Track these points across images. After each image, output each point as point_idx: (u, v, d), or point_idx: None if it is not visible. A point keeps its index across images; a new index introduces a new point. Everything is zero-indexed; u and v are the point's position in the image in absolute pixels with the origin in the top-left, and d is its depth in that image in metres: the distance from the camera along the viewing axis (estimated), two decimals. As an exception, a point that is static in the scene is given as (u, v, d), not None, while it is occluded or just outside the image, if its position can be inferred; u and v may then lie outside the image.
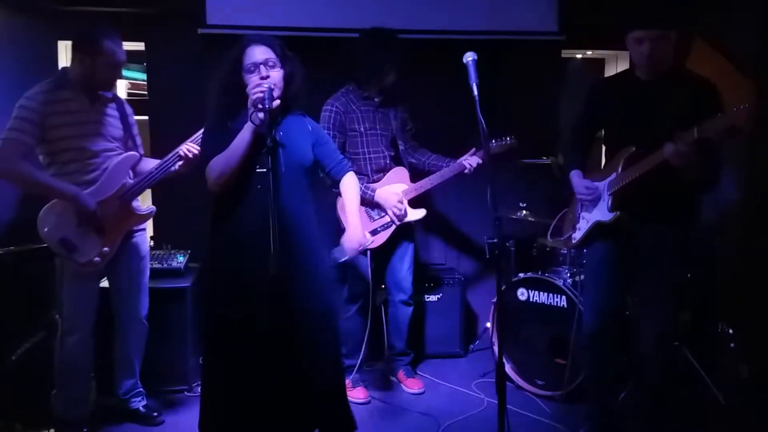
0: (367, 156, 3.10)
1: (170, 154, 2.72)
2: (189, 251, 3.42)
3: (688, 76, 2.34)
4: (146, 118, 3.82)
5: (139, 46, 3.80)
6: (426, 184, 3.17)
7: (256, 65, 2.19)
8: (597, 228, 2.45)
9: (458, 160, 3.20)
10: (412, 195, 3.15)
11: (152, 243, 3.64)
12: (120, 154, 2.73)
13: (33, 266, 2.92)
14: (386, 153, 3.15)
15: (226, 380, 2.23)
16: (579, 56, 4.61)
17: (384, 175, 3.15)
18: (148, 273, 2.91)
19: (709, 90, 2.27)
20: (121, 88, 3.87)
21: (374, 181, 3.11)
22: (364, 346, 3.15)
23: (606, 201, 2.40)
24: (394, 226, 3.09)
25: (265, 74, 2.18)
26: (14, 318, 2.95)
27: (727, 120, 1.97)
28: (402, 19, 3.67)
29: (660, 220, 2.31)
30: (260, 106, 2.09)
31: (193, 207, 2.93)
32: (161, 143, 3.62)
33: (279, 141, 2.16)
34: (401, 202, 3.05)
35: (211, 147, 2.23)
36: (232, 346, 2.21)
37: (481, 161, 3.17)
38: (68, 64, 2.70)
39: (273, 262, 1.94)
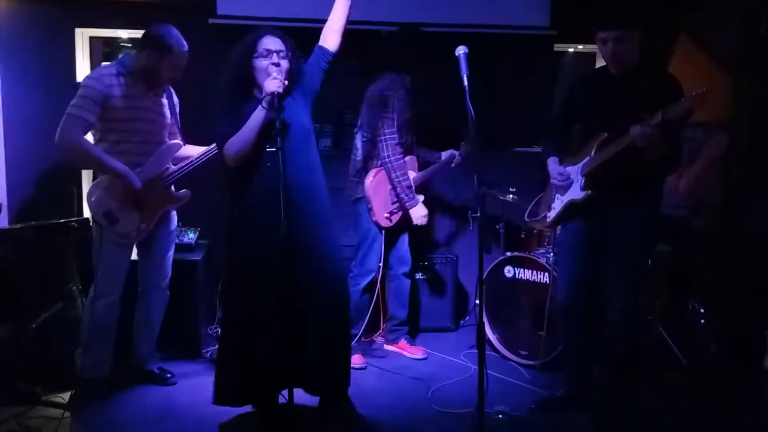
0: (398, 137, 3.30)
1: (211, 146, 2.96)
2: (199, 228, 3.65)
3: (655, 72, 2.57)
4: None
5: None
6: (426, 175, 3.50)
7: (270, 52, 2.44)
8: (570, 207, 2.69)
9: (444, 156, 3.53)
10: (416, 184, 3.43)
11: None
12: (166, 140, 2.96)
13: (52, 241, 3.12)
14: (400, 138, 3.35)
15: (243, 342, 2.48)
16: (571, 50, 4.82)
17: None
18: (173, 247, 3.16)
19: (674, 84, 2.49)
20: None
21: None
22: (366, 318, 3.43)
23: (579, 182, 2.64)
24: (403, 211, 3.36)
25: (276, 61, 2.42)
26: (35, 289, 3.13)
27: (686, 104, 2.21)
28: (400, 13, 3.87)
29: (627, 197, 2.55)
30: (274, 92, 2.33)
31: (204, 187, 3.15)
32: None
33: (284, 122, 2.39)
34: (425, 216, 3.34)
35: (227, 127, 2.47)
36: (248, 307, 2.47)
37: (459, 158, 3.50)
38: (131, 54, 2.90)
39: (283, 229, 2.19)
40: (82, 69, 3.97)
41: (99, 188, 2.83)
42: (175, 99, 3.06)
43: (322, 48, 2.64)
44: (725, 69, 3.95)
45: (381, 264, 3.39)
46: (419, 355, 3.52)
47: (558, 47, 4.44)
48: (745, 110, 3.76)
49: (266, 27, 2.53)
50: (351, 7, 2.65)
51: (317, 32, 3.68)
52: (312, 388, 2.62)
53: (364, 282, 3.39)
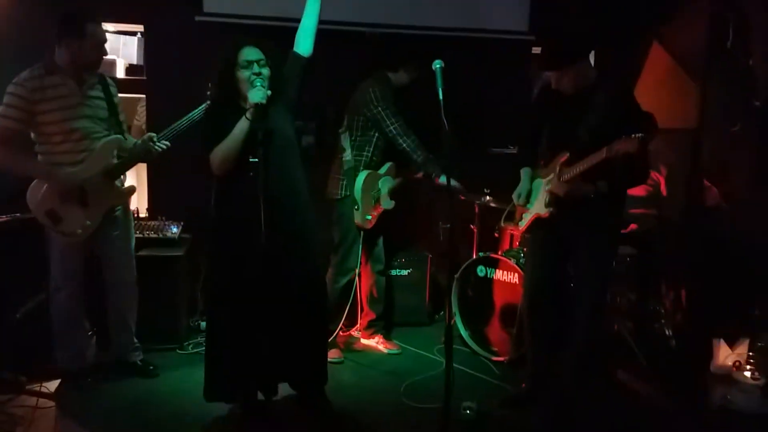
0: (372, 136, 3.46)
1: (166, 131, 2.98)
2: (182, 223, 3.71)
3: (610, 91, 2.65)
4: (144, 96, 4.09)
5: (139, 28, 4.05)
6: (400, 182, 3.62)
7: (250, 63, 2.52)
8: (537, 219, 2.84)
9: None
10: (393, 189, 3.57)
11: (147, 214, 3.95)
12: (106, 135, 2.92)
13: (35, 233, 3.11)
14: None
15: (229, 341, 2.60)
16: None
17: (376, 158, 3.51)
18: (133, 242, 3.17)
19: (624, 105, 2.61)
20: (120, 68, 4.10)
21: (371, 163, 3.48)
22: (344, 315, 3.57)
23: (545, 197, 2.78)
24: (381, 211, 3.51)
25: (258, 71, 2.51)
26: (18, 280, 3.20)
27: (626, 145, 2.34)
28: (381, 15, 3.96)
29: (589, 214, 2.69)
30: (257, 102, 2.42)
31: (187, 182, 3.22)
32: (157, 121, 3.87)
33: (268, 130, 2.48)
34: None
35: (212, 135, 2.55)
36: (232, 311, 2.58)
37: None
38: (53, 51, 2.82)
39: (262, 237, 2.31)
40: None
41: (39, 187, 2.83)
42: (113, 89, 3.01)
43: (295, 54, 2.69)
44: (693, 77, 4.10)
45: (358, 264, 3.52)
46: (394, 350, 3.66)
47: (535, 50, 4.50)
48: (710, 117, 3.92)
49: (244, 38, 2.60)
50: (321, 9, 2.71)
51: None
52: (291, 383, 2.76)
53: (344, 281, 3.51)
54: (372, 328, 3.75)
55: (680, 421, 2.94)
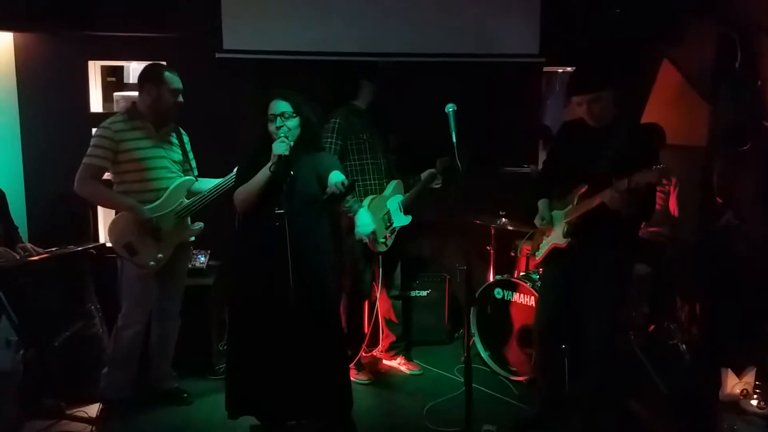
0: (370, 162, 3.55)
1: (225, 178, 3.14)
2: (209, 251, 3.86)
3: (632, 126, 2.79)
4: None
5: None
6: (410, 196, 3.66)
7: (275, 116, 2.68)
8: (554, 250, 2.94)
9: (422, 176, 3.64)
10: (405, 205, 3.65)
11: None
12: (179, 176, 3.17)
13: (72, 266, 3.35)
14: (383, 160, 3.62)
15: (246, 369, 2.76)
16: (560, 71, 5.03)
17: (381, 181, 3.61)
18: (185, 276, 3.40)
19: (648, 139, 2.74)
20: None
21: (378, 188, 3.57)
22: (366, 338, 3.73)
23: (562, 228, 2.88)
24: (395, 232, 3.59)
25: (281, 124, 2.66)
26: (56, 311, 3.29)
27: (652, 175, 2.45)
28: (393, 45, 4.06)
29: (604, 245, 2.79)
30: (280, 155, 2.57)
31: (215, 210, 3.30)
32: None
33: (293, 181, 2.62)
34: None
35: (240, 176, 2.75)
36: (251, 344, 2.74)
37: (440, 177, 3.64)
38: (135, 100, 3.12)
39: (291, 295, 2.47)
40: (95, 98, 4.18)
41: (120, 222, 3.07)
42: (185, 137, 3.30)
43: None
44: (703, 95, 4.16)
45: (379, 287, 3.64)
46: (416, 371, 3.79)
47: (547, 68, 4.62)
48: (720, 136, 3.98)
49: (276, 90, 2.76)
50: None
51: (322, 65, 3.95)
52: (316, 414, 2.88)
53: (358, 305, 3.67)
54: (393, 350, 3.87)
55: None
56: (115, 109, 3.97)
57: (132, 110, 3.10)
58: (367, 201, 3.49)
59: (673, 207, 4.02)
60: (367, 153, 3.53)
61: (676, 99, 4.46)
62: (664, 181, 3.90)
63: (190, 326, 3.51)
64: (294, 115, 2.70)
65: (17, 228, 3.57)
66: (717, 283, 3.76)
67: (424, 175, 3.63)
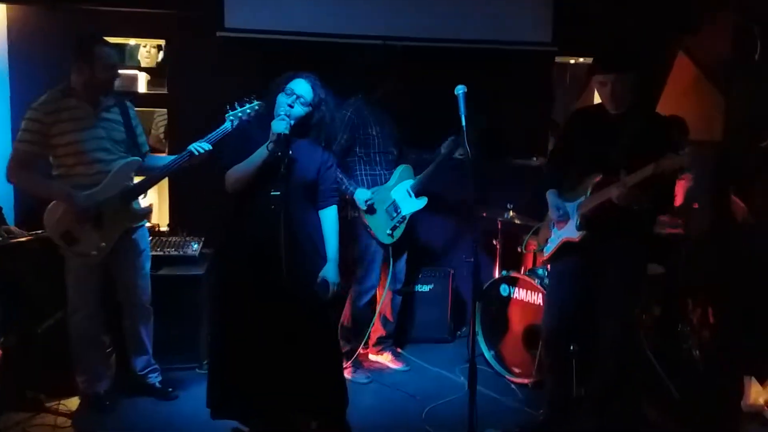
0: (380, 154, 3.41)
1: (182, 154, 2.92)
2: (203, 238, 3.69)
3: (650, 114, 2.63)
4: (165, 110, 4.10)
5: (161, 42, 4.07)
6: (429, 171, 3.46)
7: (292, 93, 2.53)
8: (565, 244, 2.77)
9: (440, 150, 3.45)
10: (418, 187, 3.47)
11: (167, 229, 3.93)
12: (123, 157, 2.92)
13: (55, 251, 3.11)
14: (394, 151, 3.48)
15: (230, 359, 2.60)
16: (572, 62, 4.87)
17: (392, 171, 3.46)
18: (148, 264, 3.15)
19: (665, 128, 2.58)
20: (141, 82, 4.11)
21: (387, 178, 3.43)
22: (367, 334, 3.55)
23: (575, 221, 2.71)
24: (406, 221, 3.43)
25: (291, 103, 2.51)
26: (40, 296, 3.20)
27: (679, 159, 2.28)
28: (408, 28, 3.93)
29: (619, 237, 2.63)
30: (279, 133, 2.41)
31: (209, 195, 3.15)
32: (178, 136, 3.89)
33: (290, 161, 2.47)
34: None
35: (232, 154, 2.57)
36: (237, 338, 2.58)
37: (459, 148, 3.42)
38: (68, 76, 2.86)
39: (285, 280, 2.30)
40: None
41: (56, 209, 2.85)
42: (132, 111, 3.03)
43: (320, 198, 2.69)
44: (719, 88, 4.01)
45: (389, 280, 3.48)
46: (402, 367, 3.62)
47: (559, 59, 4.50)
48: (736, 131, 3.83)
49: (305, 73, 2.62)
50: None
51: (324, 46, 3.80)
52: (309, 412, 2.72)
53: (366, 298, 3.46)
54: (380, 345, 3.70)
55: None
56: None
57: (65, 88, 2.84)
58: (366, 194, 3.33)
59: (680, 201, 3.84)
60: (376, 146, 3.40)
61: (691, 92, 4.32)
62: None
63: (178, 317, 3.36)
64: (309, 105, 2.57)
65: (0, 208, 3.46)
66: (734, 284, 3.60)
67: (444, 145, 3.44)
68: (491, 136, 4.04)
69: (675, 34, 4.29)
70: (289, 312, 2.46)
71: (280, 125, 2.43)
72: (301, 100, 2.55)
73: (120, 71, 3.91)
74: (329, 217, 2.70)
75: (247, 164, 2.51)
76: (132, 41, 4.13)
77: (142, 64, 4.31)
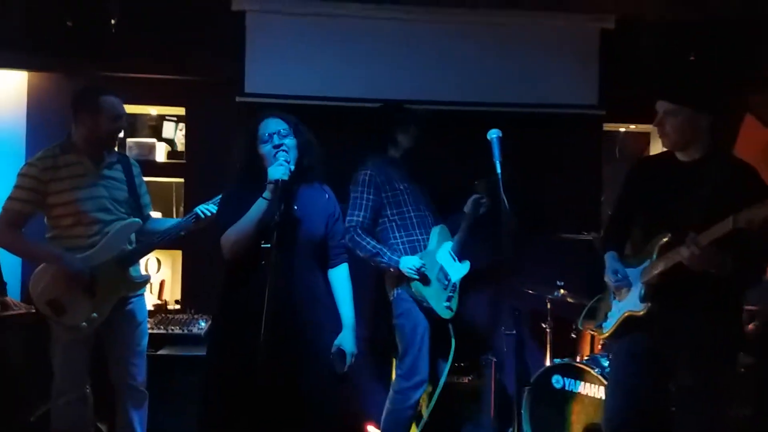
0: (415, 214, 3.06)
1: (187, 216, 2.76)
2: (212, 316, 3.36)
3: (728, 161, 2.25)
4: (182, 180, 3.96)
5: (181, 111, 3.99)
6: (462, 234, 3.08)
7: (271, 135, 2.27)
8: (628, 320, 2.30)
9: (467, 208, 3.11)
10: (457, 250, 3.07)
11: (178, 307, 3.72)
12: (123, 218, 2.73)
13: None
14: (427, 212, 3.13)
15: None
16: (622, 130, 4.55)
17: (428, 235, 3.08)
18: (146, 340, 2.88)
19: (751, 176, 2.17)
20: (161, 151, 3.98)
21: (426, 244, 3.04)
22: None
23: (638, 290, 2.26)
24: (457, 290, 3.03)
25: (278, 142, 2.25)
26: (35, 380, 2.98)
27: (759, 212, 1.88)
28: (438, 92, 3.78)
29: (697, 310, 2.16)
30: (278, 179, 2.15)
31: (215, 271, 2.88)
32: (195, 206, 3.69)
33: (293, 214, 2.21)
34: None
35: (226, 215, 2.30)
36: (226, 410, 2.23)
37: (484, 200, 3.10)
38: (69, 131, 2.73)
39: (261, 352, 1.94)
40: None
41: (43, 275, 2.61)
42: (135, 169, 2.85)
43: (331, 255, 2.43)
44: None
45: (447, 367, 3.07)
46: None
47: (607, 126, 4.21)
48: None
49: (266, 110, 2.40)
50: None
51: (342, 111, 3.66)
52: None
53: (417, 395, 2.94)
54: None
55: None
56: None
57: (64, 143, 2.68)
58: (415, 260, 2.90)
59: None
60: (408, 204, 3.05)
61: (762, 159, 3.90)
62: None
63: (181, 402, 3.02)
64: (291, 133, 2.31)
65: (5, 284, 3.34)
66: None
67: (468, 204, 3.09)
68: (535, 207, 3.77)
69: (741, 95, 3.96)
70: (275, 406, 2.08)
71: (278, 171, 2.16)
72: (281, 132, 2.28)
73: (139, 140, 3.88)
74: (342, 277, 2.41)
75: (245, 221, 2.21)
76: (153, 110, 4.06)
77: (164, 135, 4.22)
